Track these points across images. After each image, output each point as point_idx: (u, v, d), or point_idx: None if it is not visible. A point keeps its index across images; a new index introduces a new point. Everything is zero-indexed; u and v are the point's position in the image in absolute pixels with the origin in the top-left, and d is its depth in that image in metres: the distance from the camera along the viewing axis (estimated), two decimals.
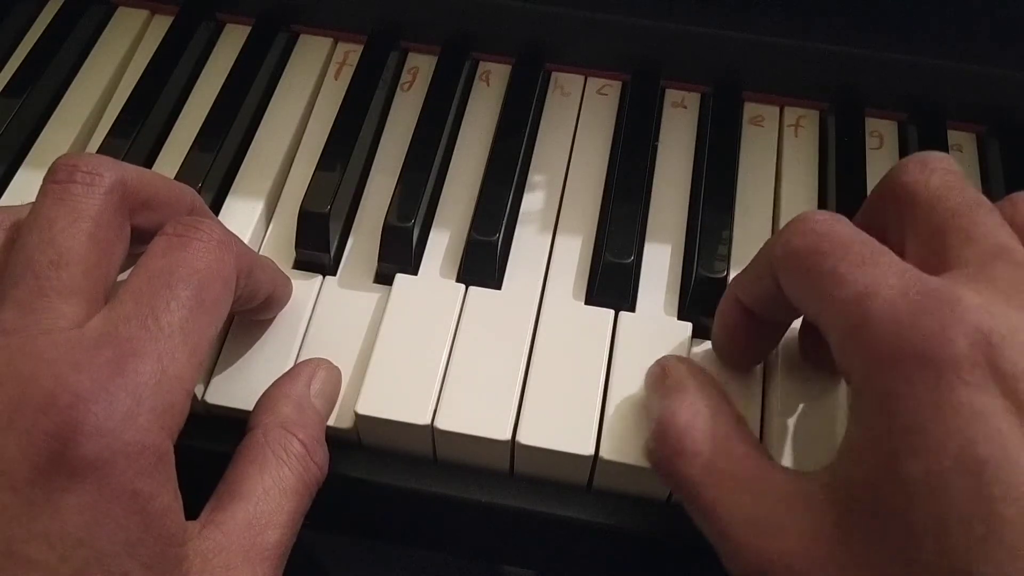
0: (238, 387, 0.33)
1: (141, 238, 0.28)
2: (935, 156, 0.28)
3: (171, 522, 0.24)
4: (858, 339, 0.24)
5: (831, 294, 0.25)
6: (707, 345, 0.34)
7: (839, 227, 0.26)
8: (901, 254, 0.26)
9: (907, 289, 0.23)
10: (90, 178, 0.26)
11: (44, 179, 0.26)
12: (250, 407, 0.32)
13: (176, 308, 0.25)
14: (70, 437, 0.22)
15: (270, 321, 0.34)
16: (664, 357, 0.32)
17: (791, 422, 0.32)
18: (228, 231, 0.28)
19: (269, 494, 0.28)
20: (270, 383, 0.32)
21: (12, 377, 0.23)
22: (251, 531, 0.27)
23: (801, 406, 0.32)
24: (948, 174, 0.27)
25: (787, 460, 0.32)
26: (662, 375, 0.30)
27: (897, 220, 0.27)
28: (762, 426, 0.33)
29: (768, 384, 0.33)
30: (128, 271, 0.27)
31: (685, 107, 0.43)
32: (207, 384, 0.33)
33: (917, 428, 0.22)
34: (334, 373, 0.33)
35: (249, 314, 0.33)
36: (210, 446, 0.32)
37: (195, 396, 0.33)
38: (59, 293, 0.25)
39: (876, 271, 0.24)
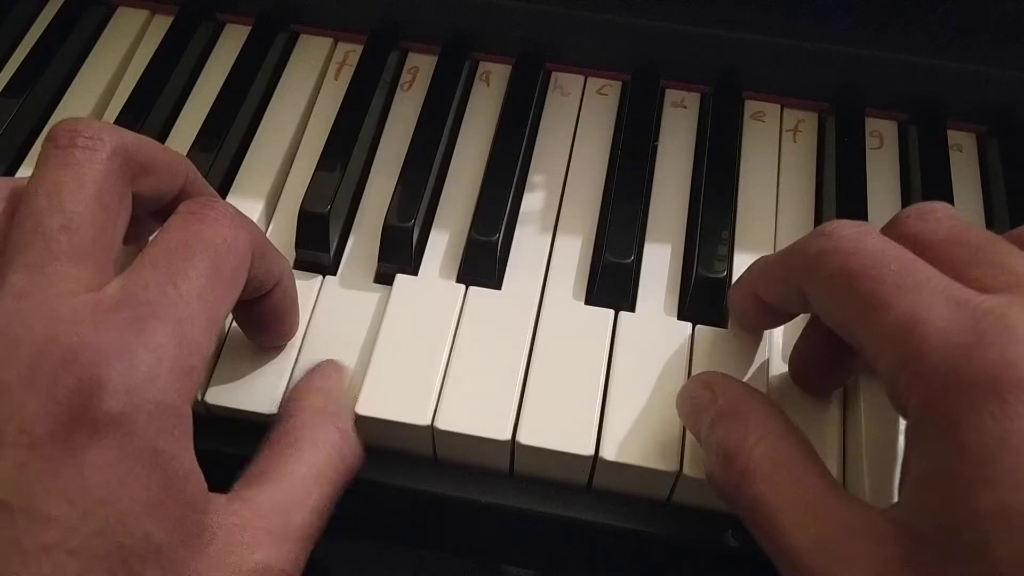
0: (238, 388, 0.33)
1: (141, 205, 0.28)
2: (938, 206, 0.27)
3: (193, 487, 0.24)
4: (912, 369, 0.23)
5: (873, 320, 0.24)
6: (708, 339, 0.34)
7: (869, 241, 0.25)
8: None
9: (959, 313, 0.22)
10: (92, 143, 0.26)
11: (44, 143, 0.26)
12: (250, 407, 0.32)
13: (195, 277, 0.25)
14: (93, 393, 0.22)
15: (278, 350, 0.34)
16: (706, 376, 0.31)
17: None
18: (240, 211, 0.28)
19: (304, 478, 0.28)
20: (270, 384, 0.32)
21: (30, 338, 0.23)
22: (280, 512, 0.26)
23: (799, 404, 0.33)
24: (954, 220, 0.26)
25: None
26: (712, 397, 0.29)
27: None
28: None
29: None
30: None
31: (685, 107, 0.43)
32: (207, 385, 0.33)
33: (987, 459, 0.21)
34: (349, 372, 0.33)
35: (259, 324, 0.33)
36: (214, 447, 0.32)
37: (195, 397, 0.33)
38: (70, 258, 0.24)
39: (920, 293, 0.23)
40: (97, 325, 0.23)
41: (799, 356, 0.32)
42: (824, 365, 0.32)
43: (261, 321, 0.32)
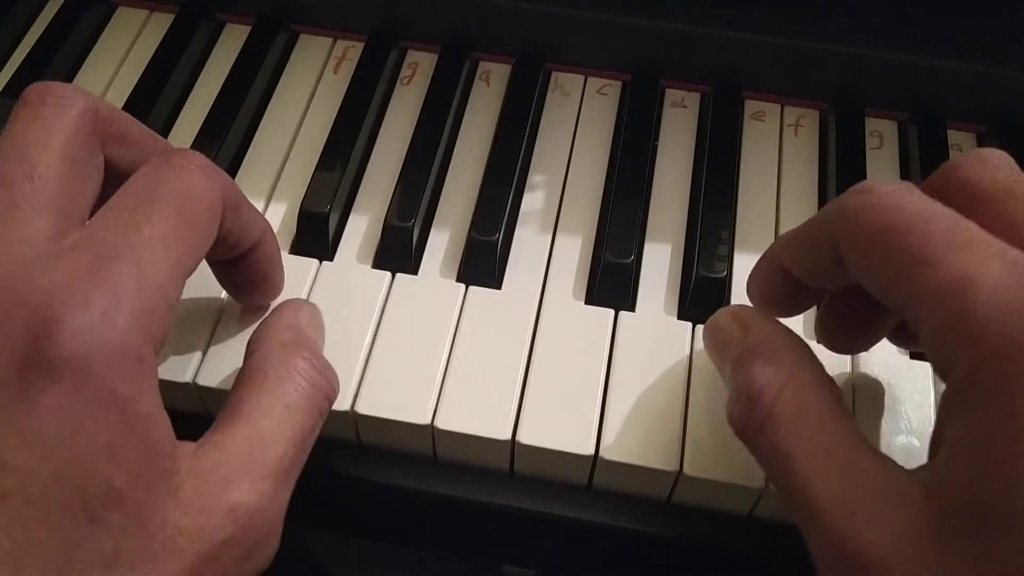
0: (232, 370, 0.33)
1: (116, 174, 0.28)
2: (996, 153, 0.25)
3: (157, 431, 0.23)
4: (962, 330, 0.21)
5: (919, 279, 0.22)
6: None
7: (913, 199, 0.23)
8: None
9: (1015, 274, 0.21)
10: (61, 101, 0.26)
11: (16, 106, 0.26)
12: None
13: (158, 221, 0.25)
14: (45, 334, 0.21)
15: (264, 309, 0.34)
16: (737, 309, 0.29)
17: None
18: (212, 162, 0.27)
19: (272, 411, 0.27)
20: None
21: None
22: (251, 448, 0.26)
23: None
24: (1013, 171, 0.25)
25: None
26: (742, 333, 0.27)
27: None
28: None
29: None
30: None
31: (685, 107, 0.43)
32: (199, 367, 0.33)
33: None
34: (316, 308, 0.32)
35: (244, 285, 0.32)
36: None
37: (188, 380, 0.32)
38: (33, 206, 0.24)
39: (973, 251, 0.22)
40: (52, 268, 0.23)
41: (828, 314, 0.30)
42: (854, 325, 0.30)
43: (246, 282, 0.32)
